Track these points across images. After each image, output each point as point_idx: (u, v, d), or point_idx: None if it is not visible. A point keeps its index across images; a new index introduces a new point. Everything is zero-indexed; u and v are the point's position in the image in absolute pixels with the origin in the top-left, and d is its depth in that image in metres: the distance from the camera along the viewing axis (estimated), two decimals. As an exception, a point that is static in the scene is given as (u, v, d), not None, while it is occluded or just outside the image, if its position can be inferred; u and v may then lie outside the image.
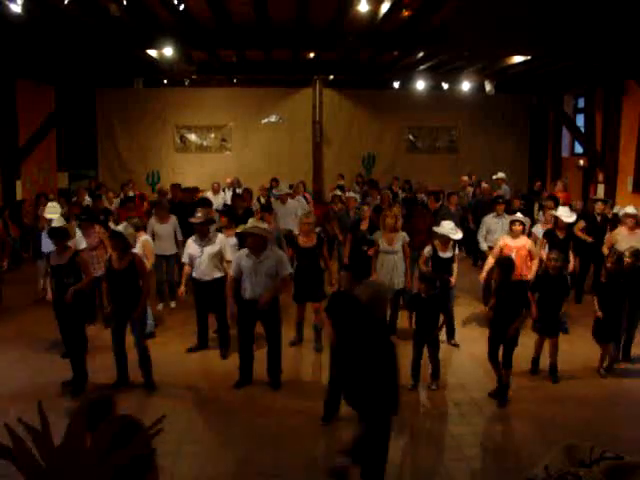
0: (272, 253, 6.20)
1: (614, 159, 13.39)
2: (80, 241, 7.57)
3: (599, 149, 14.10)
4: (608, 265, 7.03)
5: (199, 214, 7.23)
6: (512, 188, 14.28)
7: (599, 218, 9.43)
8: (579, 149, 15.90)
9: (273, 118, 16.41)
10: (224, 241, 7.31)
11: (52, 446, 1.25)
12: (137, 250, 7.52)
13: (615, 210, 9.92)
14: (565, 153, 16.80)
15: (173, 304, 9.08)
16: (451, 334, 7.67)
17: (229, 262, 7.02)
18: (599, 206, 9.57)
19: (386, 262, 7.46)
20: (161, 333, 7.94)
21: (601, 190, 13.46)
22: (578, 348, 7.29)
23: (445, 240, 7.39)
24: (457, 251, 7.70)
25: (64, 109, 14.94)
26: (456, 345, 7.61)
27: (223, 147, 17.02)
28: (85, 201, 11.81)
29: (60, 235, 6.19)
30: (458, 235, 7.53)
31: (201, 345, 7.40)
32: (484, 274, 7.83)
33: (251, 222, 6.42)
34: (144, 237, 7.78)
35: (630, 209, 8.40)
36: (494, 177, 13.53)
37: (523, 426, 5.61)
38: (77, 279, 6.16)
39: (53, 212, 7.75)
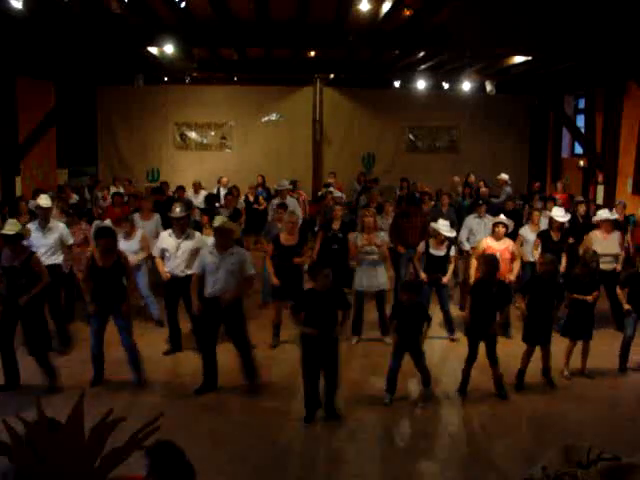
0: (237, 251, 6.16)
1: (614, 160, 13.38)
2: (68, 237, 7.54)
3: (599, 150, 14.08)
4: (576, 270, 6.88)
5: (177, 209, 7.16)
6: (512, 189, 14.22)
7: (580, 219, 9.41)
8: (579, 150, 15.90)
9: (273, 116, 16.38)
10: (202, 240, 7.22)
11: (49, 443, 1.25)
12: (136, 244, 7.76)
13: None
14: (565, 154, 16.79)
15: None
16: (451, 330, 7.81)
17: None
18: (582, 208, 9.59)
19: (366, 262, 7.41)
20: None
21: (601, 191, 13.46)
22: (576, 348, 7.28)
23: (439, 237, 7.44)
24: (453, 252, 7.66)
25: (64, 106, 14.90)
26: (455, 340, 7.71)
27: (223, 145, 17.01)
28: (72, 199, 11.79)
29: (16, 239, 6.05)
30: (451, 233, 7.62)
31: (174, 348, 7.20)
32: (473, 278, 7.42)
33: (218, 219, 6.46)
34: (140, 230, 8.00)
35: (606, 213, 8.35)
36: (498, 177, 13.45)
37: (521, 426, 5.61)
38: (30, 280, 6.01)
39: (46, 203, 7.61)
